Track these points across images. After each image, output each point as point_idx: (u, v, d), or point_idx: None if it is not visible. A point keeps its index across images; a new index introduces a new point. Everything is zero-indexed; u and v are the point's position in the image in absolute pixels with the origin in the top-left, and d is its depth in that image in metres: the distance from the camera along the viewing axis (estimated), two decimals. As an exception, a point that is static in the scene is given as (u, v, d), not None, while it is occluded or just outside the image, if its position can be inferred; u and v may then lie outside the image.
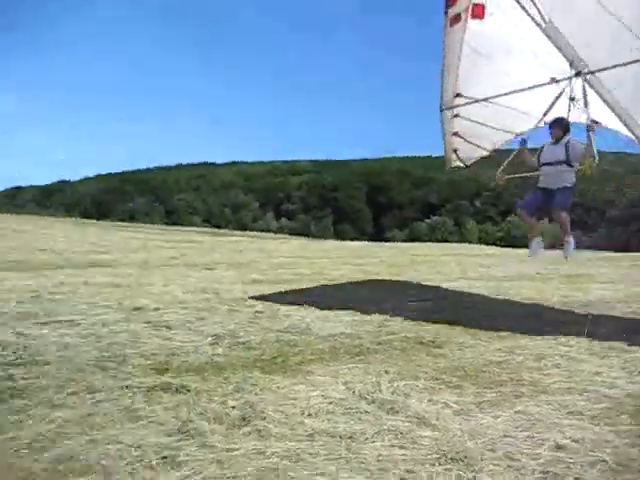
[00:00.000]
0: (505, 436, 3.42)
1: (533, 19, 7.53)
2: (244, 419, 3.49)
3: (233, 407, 3.68)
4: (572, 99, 8.17)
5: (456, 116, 10.02)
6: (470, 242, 69.22)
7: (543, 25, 7.53)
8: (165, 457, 2.92)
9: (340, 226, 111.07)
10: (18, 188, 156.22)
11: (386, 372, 4.67)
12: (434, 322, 7.17)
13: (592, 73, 7.99)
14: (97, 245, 19.91)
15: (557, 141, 8.61)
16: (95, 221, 64.81)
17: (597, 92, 8.30)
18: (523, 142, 9.33)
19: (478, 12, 8.05)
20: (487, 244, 59.52)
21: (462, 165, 10.94)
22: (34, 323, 5.82)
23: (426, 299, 9.50)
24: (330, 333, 6.24)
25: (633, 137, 8.95)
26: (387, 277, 13.24)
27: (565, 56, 7.96)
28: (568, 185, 8.51)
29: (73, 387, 3.94)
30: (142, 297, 8.01)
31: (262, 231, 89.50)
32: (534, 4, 7.41)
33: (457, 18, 8.16)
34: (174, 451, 3.00)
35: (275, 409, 3.67)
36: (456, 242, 63.62)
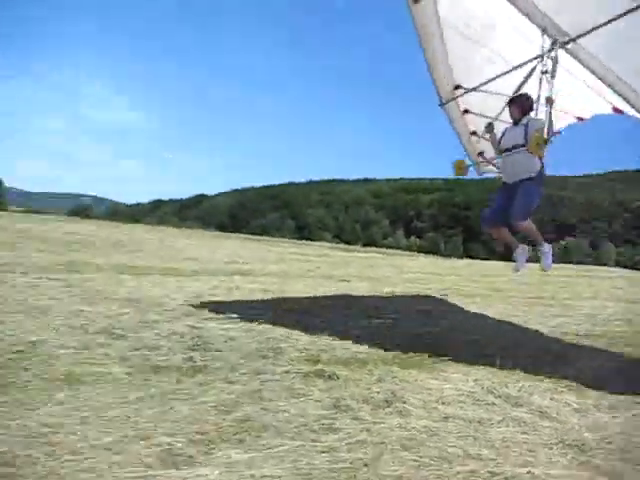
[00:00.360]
0: (621, 433, 3.81)
1: None
2: (387, 401, 4.10)
3: (377, 392, 4.29)
4: (544, 73, 6.79)
5: (466, 112, 8.85)
6: (606, 265, 66.52)
7: None
8: (324, 424, 3.58)
9: (470, 245, 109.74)
10: (160, 201, 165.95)
11: (513, 374, 5.14)
12: (564, 335, 7.50)
13: (573, 40, 6.67)
14: (238, 256, 21.13)
15: (517, 123, 7.19)
16: (231, 234, 67.46)
17: (583, 63, 7.03)
18: (489, 126, 7.82)
19: None
20: (625, 268, 57.06)
21: (496, 170, 9.02)
22: (201, 318, 6.70)
23: (557, 315, 9.72)
24: (462, 340, 6.75)
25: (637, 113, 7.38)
26: (517, 294, 13.43)
27: (536, 23, 6.77)
28: (532, 175, 6.88)
29: (242, 369, 4.70)
30: (289, 302, 8.81)
31: (391, 248, 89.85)
32: None
33: None
34: (331, 421, 3.64)
35: (413, 396, 4.25)
36: (591, 264, 61.43)
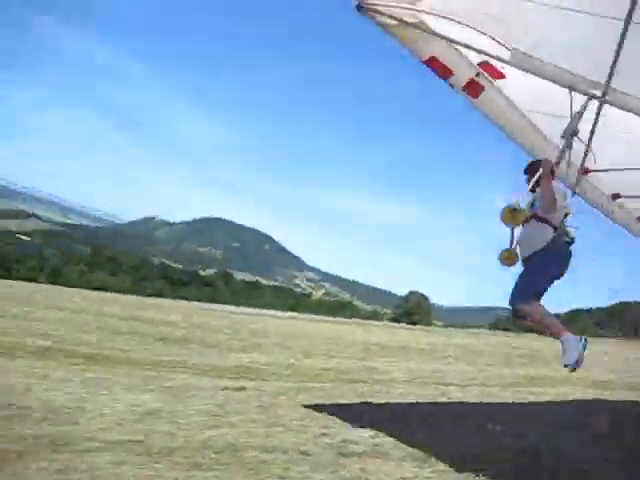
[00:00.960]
0: None
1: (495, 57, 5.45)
2: None
3: None
4: (574, 133, 5.61)
5: (616, 197, 7.32)
6: None
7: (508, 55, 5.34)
8: None
9: None
10: (578, 310, 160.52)
11: None
12: None
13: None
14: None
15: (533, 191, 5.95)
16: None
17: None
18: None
19: (494, 73, 5.94)
20: None
21: None
22: None
23: None
24: None
25: None
26: None
27: (560, 84, 5.40)
28: (538, 248, 5.62)
29: None
30: None
31: None
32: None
33: (474, 87, 6.03)
34: None
35: None
36: None
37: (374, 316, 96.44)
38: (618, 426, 6.98)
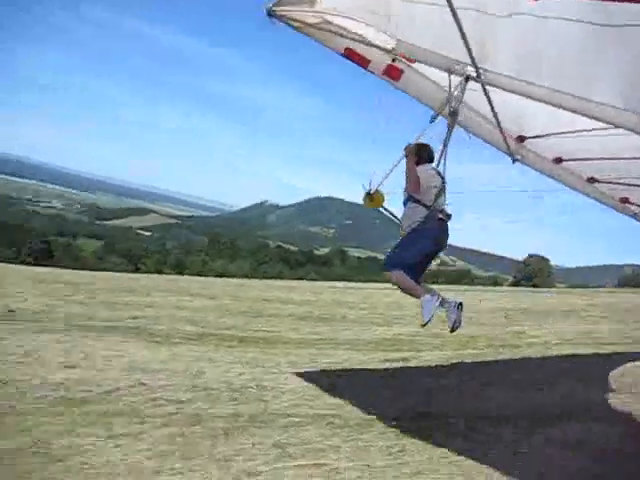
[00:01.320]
0: None
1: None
2: None
3: None
4: (453, 113, 5.73)
5: (559, 161, 7.02)
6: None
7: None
8: None
9: None
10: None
11: None
12: None
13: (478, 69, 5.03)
14: None
15: None
16: None
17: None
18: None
19: (409, 58, 5.87)
20: None
21: None
22: None
23: None
24: None
25: None
26: None
27: (440, 69, 5.46)
28: (414, 227, 5.68)
29: None
30: None
31: None
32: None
33: (394, 71, 6.08)
34: None
35: None
36: None
37: (495, 282, 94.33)
38: None
